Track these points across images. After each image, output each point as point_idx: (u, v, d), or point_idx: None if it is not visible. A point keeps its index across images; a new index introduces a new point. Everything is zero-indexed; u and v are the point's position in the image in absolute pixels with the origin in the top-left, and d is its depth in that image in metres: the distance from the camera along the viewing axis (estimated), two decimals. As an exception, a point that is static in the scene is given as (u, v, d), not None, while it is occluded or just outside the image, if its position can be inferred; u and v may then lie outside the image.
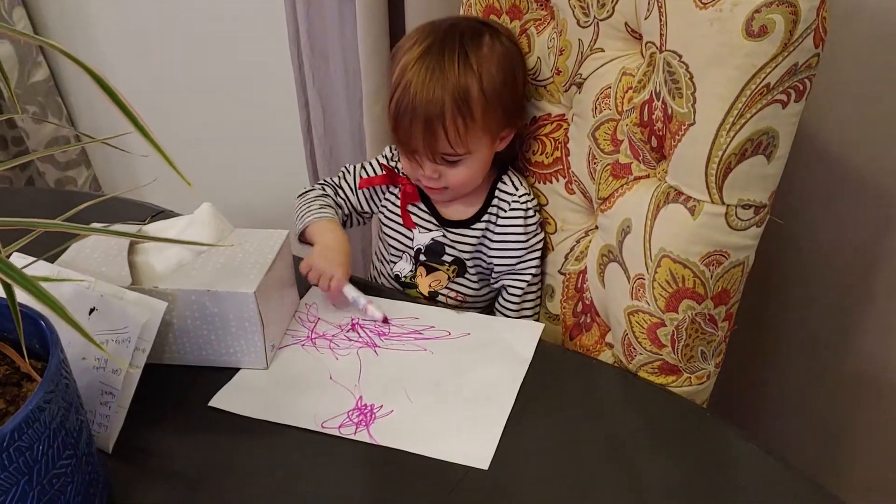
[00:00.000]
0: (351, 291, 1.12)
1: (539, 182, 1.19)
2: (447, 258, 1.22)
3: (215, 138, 2.16)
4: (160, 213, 1.27)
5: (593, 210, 1.13)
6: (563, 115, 1.15)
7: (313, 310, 1.15)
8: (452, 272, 1.22)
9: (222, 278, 1.01)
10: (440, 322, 1.10)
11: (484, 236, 1.19)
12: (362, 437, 0.92)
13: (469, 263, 1.22)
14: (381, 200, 1.27)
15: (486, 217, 1.19)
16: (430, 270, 1.23)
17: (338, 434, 0.92)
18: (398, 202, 1.23)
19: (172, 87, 2.15)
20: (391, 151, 1.27)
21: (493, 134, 1.12)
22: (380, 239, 1.31)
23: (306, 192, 1.26)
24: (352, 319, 1.13)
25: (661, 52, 0.94)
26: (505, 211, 1.18)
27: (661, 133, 0.97)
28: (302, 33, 1.74)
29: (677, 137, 0.93)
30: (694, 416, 0.96)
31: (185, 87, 2.14)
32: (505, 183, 1.19)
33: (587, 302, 1.12)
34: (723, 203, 0.91)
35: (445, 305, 1.21)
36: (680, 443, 0.91)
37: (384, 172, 1.24)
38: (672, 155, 0.94)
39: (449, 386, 1.00)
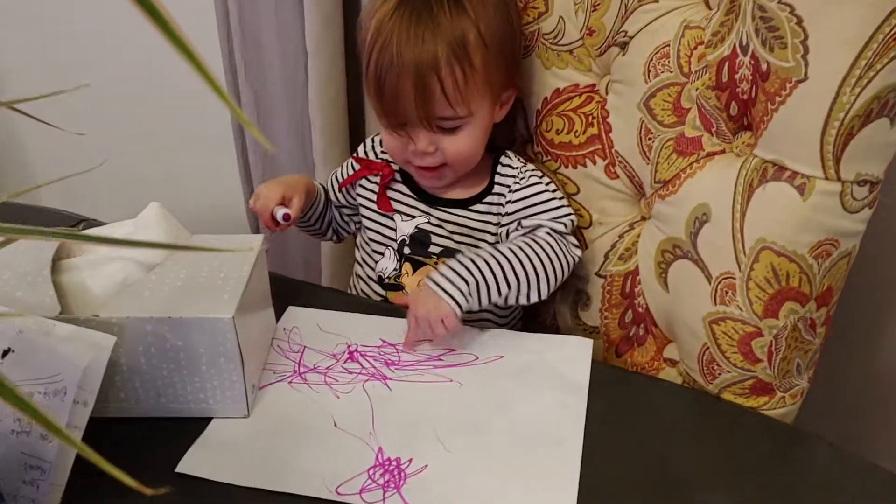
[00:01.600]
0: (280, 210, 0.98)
1: (565, 166, 0.98)
2: (434, 249, 1.00)
3: (131, 140, 1.85)
4: (83, 222, 0.99)
5: (642, 197, 0.93)
6: (594, 84, 0.95)
7: (295, 335, 0.90)
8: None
9: (186, 300, 0.76)
10: (462, 342, 0.88)
11: (489, 213, 0.99)
12: (393, 503, 0.69)
13: (465, 251, 1.00)
14: (355, 189, 1.07)
15: (489, 199, 0.99)
16: (416, 266, 1.01)
17: (360, 503, 0.69)
18: (377, 187, 1.04)
19: (78, 84, 1.83)
20: (365, 146, 1.08)
21: (495, 92, 0.94)
22: (361, 244, 1.08)
23: None
24: (347, 346, 0.88)
25: (749, -7, 0.75)
26: (517, 181, 0.98)
27: (746, 97, 0.78)
28: (232, 16, 1.48)
29: (778, 99, 0.74)
30: (786, 436, 0.78)
31: (93, 85, 1.82)
32: (509, 157, 1.00)
33: (640, 310, 0.92)
34: (839, 179, 0.73)
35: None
36: (778, 469, 0.72)
37: (360, 166, 1.05)
38: (768, 122, 0.75)
39: (492, 426, 0.77)
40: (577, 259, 0.93)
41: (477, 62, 0.89)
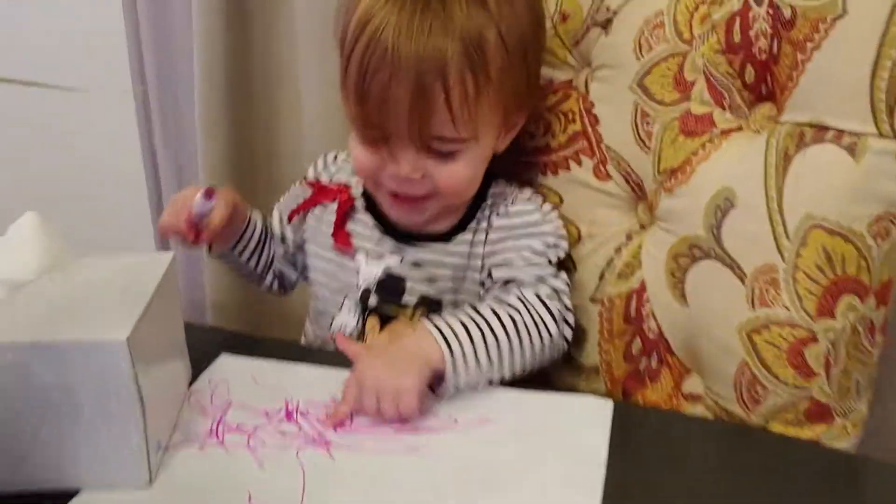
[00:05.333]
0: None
1: (543, 174, 0.82)
2: (409, 298, 0.81)
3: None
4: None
5: (640, 201, 0.77)
6: (571, 81, 0.81)
7: (221, 388, 0.70)
8: (420, 318, 0.81)
9: (64, 321, 0.56)
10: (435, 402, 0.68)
11: (474, 244, 0.80)
12: None
13: (447, 299, 0.82)
14: (302, 224, 0.87)
15: (472, 225, 0.80)
16: (385, 321, 0.82)
17: None
18: (331, 218, 0.83)
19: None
20: (316, 168, 0.89)
21: (508, 114, 0.75)
22: (313, 293, 0.89)
23: None
24: (286, 402, 0.68)
25: (760, -68, 0.64)
26: (506, 205, 0.80)
27: (765, 55, 0.65)
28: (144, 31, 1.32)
29: (810, 45, 0.61)
30: (874, 475, 0.60)
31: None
32: (497, 184, 0.83)
33: (651, 335, 0.75)
34: (895, 134, 0.59)
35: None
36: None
37: (312, 192, 0.86)
38: (799, 76, 0.62)
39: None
40: (567, 340, 0.76)
41: (494, 71, 0.70)
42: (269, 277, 0.91)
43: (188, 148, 1.28)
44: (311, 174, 0.88)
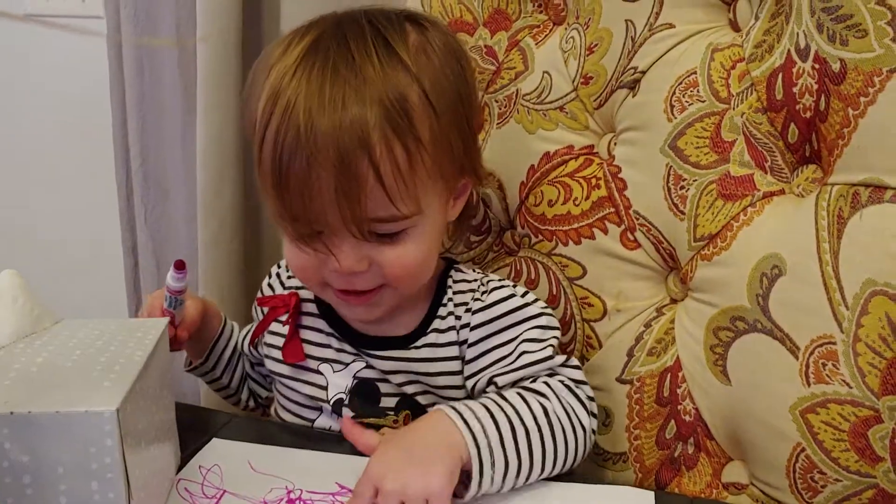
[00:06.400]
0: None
1: (564, 244, 0.77)
2: (387, 402, 0.72)
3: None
4: None
5: (671, 272, 0.72)
6: (592, 146, 0.77)
7: (213, 476, 0.62)
8: (406, 423, 0.72)
9: (40, 390, 0.49)
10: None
11: (443, 347, 0.71)
12: None
13: (425, 401, 0.72)
14: (262, 340, 0.78)
15: (436, 326, 0.71)
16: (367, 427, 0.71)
17: None
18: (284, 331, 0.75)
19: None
20: (270, 278, 0.81)
21: (450, 180, 0.67)
22: (278, 407, 0.80)
23: None
24: (287, 491, 0.61)
25: (801, -14, 0.61)
26: (477, 296, 0.71)
27: (810, 113, 0.61)
28: (133, 158, 1.28)
29: (863, 100, 0.57)
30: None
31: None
32: (461, 271, 0.74)
33: (687, 418, 0.68)
34: (958, 195, 0.55)
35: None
36: None
37: (266, 310, 0.76)
38: (851, 133, 0.58)
39: None
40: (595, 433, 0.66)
41: (424, 133, 0.62)
42: (245, 394, 0.85)
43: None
44: (265, 286, 0.81)
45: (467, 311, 0.70)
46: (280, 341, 0.74)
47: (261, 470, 0.64)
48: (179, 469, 0.63)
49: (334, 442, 0.68)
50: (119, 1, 1.17)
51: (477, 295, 0.71)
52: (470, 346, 0.69)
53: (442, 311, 0.71)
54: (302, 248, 0.64)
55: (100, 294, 1.40)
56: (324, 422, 0.74)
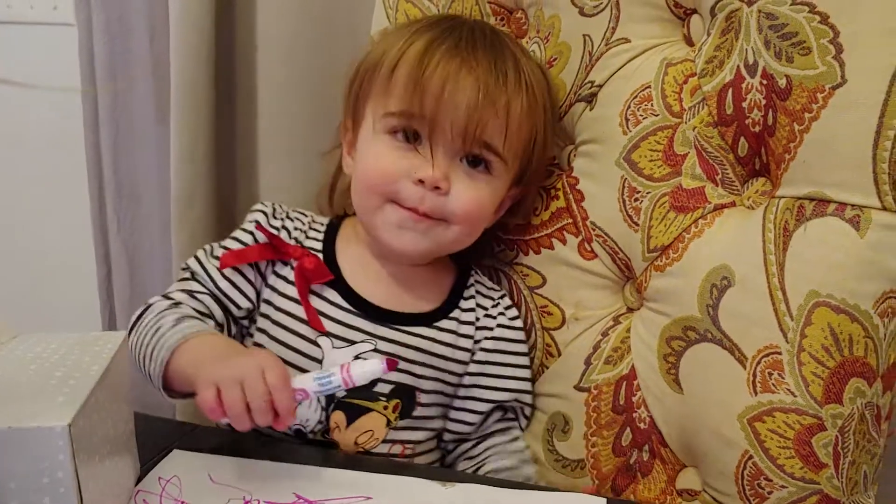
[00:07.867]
0: (306, 381, 0.60)
1: (524, 253, 0.78)
2: (383, 387, 0.72)
3: None
4: None
5: (627, 282, 0.73)
6: (553, 157, 0.78)
7: (172, 488, 0.63)
8: (394, 412, 0.74)
9: (-6, 404, 0.49)
10: (414, 494, 0.62)
11: (460, 336, 0.74)
12: None
13: (426, 387, 0.74)
14: (260, 287, 0.74)
15: (455, 315, 0.74)
16: (355, 415, 0.74)
17: None
18: (293, 288, 0.72)
19: None
20: (271, 211, 0.76)
21: (514, 174, 0.74)
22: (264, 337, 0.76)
23: (139, 316, 0.71)
24: (245, 501, 0.61)
25: (750, 4, 0.62)
26: (499, 309, 0.77)
27: (759, 127, 0.62)
28: (106, 166, 1.28)
29: (808, 116, 0.59)
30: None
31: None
32: (479, 275, 0.79)
33: (642, 426, 0.69)
34: (900, 208, 0.57)
35: (394, 464, 0.71)
36: None
37: (264, 240, 0.73)
38: (797, 147, 0.59)
39: None
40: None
41: (526, 122, 0.71)
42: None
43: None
44: (263, 221, 0.74)
45: (487, 315, 0.76)
46: (288, 301, 0.72)
47: (220, 481, 0.64)
48: (139, 480, 0.64)
49: (293, 452, 0.69)
50: (91, 8, 1.18)
51: (501, 309, 0.77)
52: (478, 350, 0.75)
53: (464, 304, 0.75)
54: (399, 152, 0.69)
55: (72, 303, 1.40)
56: (304, 412, 0.71)
